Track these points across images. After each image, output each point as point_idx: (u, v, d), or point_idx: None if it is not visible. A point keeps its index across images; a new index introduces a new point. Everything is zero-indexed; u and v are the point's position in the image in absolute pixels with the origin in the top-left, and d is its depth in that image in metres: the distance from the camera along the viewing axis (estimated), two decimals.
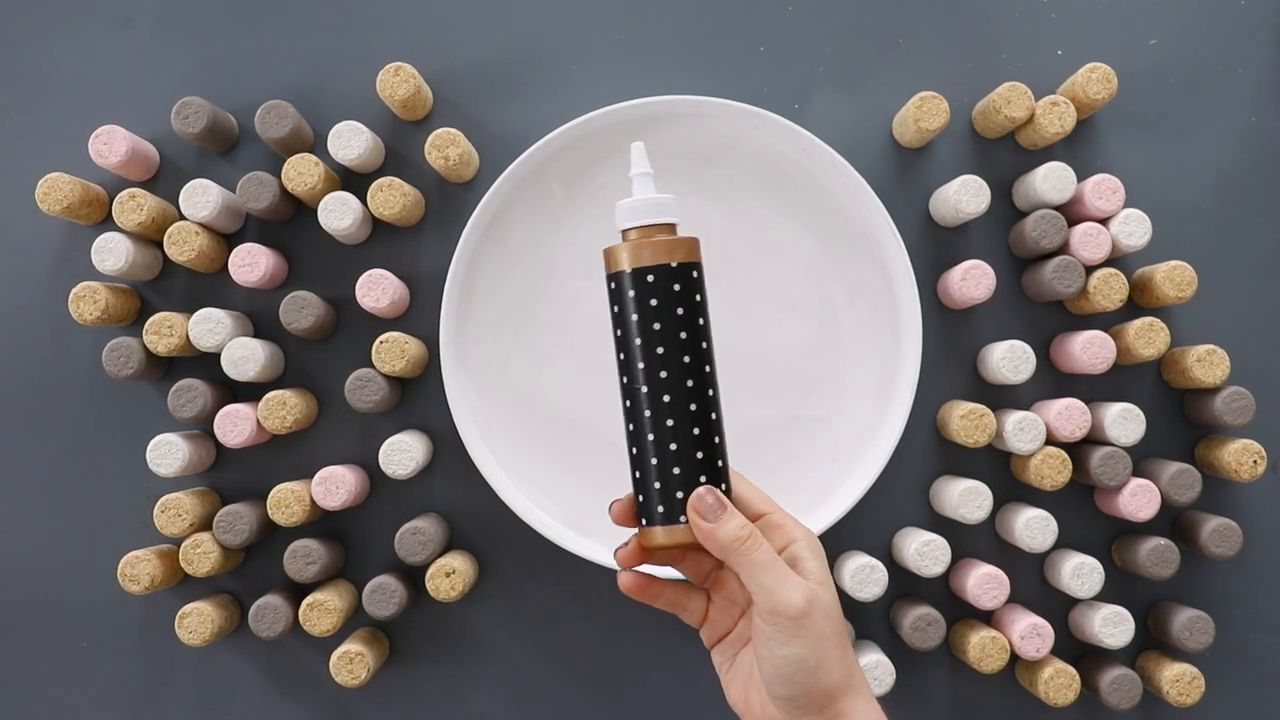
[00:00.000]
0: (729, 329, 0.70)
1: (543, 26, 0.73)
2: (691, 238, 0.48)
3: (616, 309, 0.48)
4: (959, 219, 0.69)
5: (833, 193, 0.69)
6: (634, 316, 0.47)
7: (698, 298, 0.48)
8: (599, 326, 0.70)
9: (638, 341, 0.47)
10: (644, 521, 0.48)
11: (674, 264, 0.47)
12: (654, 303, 0.47)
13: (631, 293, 0.47)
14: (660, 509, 0.47)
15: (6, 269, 0.72)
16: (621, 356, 0.48)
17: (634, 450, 0.48)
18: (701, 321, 0.48)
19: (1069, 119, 0.68)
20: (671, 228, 0.48)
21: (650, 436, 0.47)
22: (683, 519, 0.47)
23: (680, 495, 0.47)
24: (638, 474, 0.48)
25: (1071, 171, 0.68)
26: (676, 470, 0.47)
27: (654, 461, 0.47)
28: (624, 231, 0.49)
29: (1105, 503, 0.70)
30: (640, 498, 0.48)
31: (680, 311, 0.47)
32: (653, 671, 0.72)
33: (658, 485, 0.47)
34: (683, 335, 0.47)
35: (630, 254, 0.47)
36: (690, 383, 0.47)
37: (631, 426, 0.48)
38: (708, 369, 0.48)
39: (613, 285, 0.48)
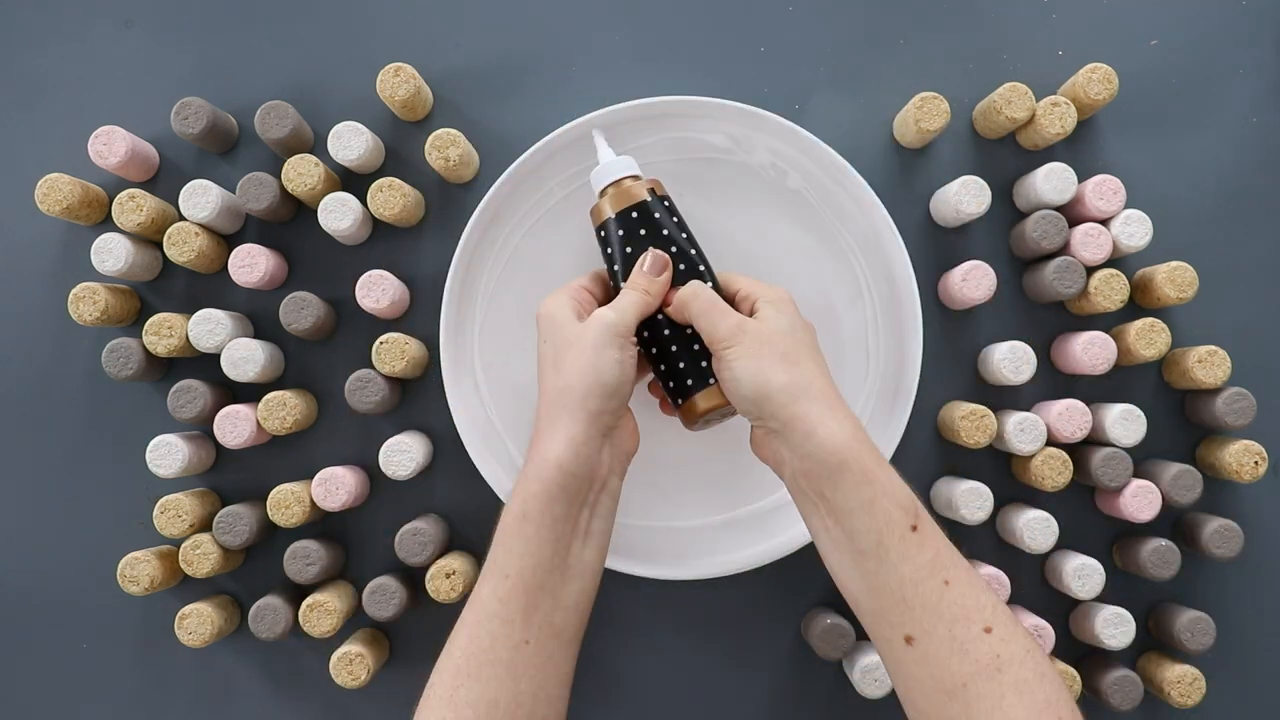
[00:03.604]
0: None
1: (543, 27, 0.73)
2: (654, 178, 0.62)
3: (609, 250, 0.60)
4: (960, 220, 0.69)
5: (833, 193, 0.69)
6: (626, 249, 0.59)
7: (675, 219, 0.61)
8: None
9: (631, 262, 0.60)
10: (679, 401, 0.59)
11: (648, 198, 0.60)
12: (642, 231, 0.59)
13: (621, 231, 0.59)
14: (690, 382, 0.58)
15: (6, 269, 0.72)
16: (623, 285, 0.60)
17: (654, 350, 0.59)
18: (685, 235, 0.60)
19: (1070, 120, 0.68)
20: (637, 177, 0.61)
21: (666, 332, 0.59)
22: (711, 380, 0.58)
23: (704, 364, 0.58)
24: (662, 366, 0.59)
25: (1072, 172, 0.68)
26: (696, 346, 0.58)
27: (674, 349, 0.59)
28: (601, 191, 0.61)
29: (1106, 504, 0.70)
30: (671, 383, 0.59)
31: (665, 233, 0.60)
32: (652, 671, 0.72)
33: (681, 365, 0.59)
34: (672, 250, 0.59)
35: (609, 204, 0.60)
36: (683, 267, 0.59)
37: (647, 334, 0.59)
38: (701, 267, 0.60)
39: (602, 234, 0.60)
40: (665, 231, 0.59)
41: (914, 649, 0.50)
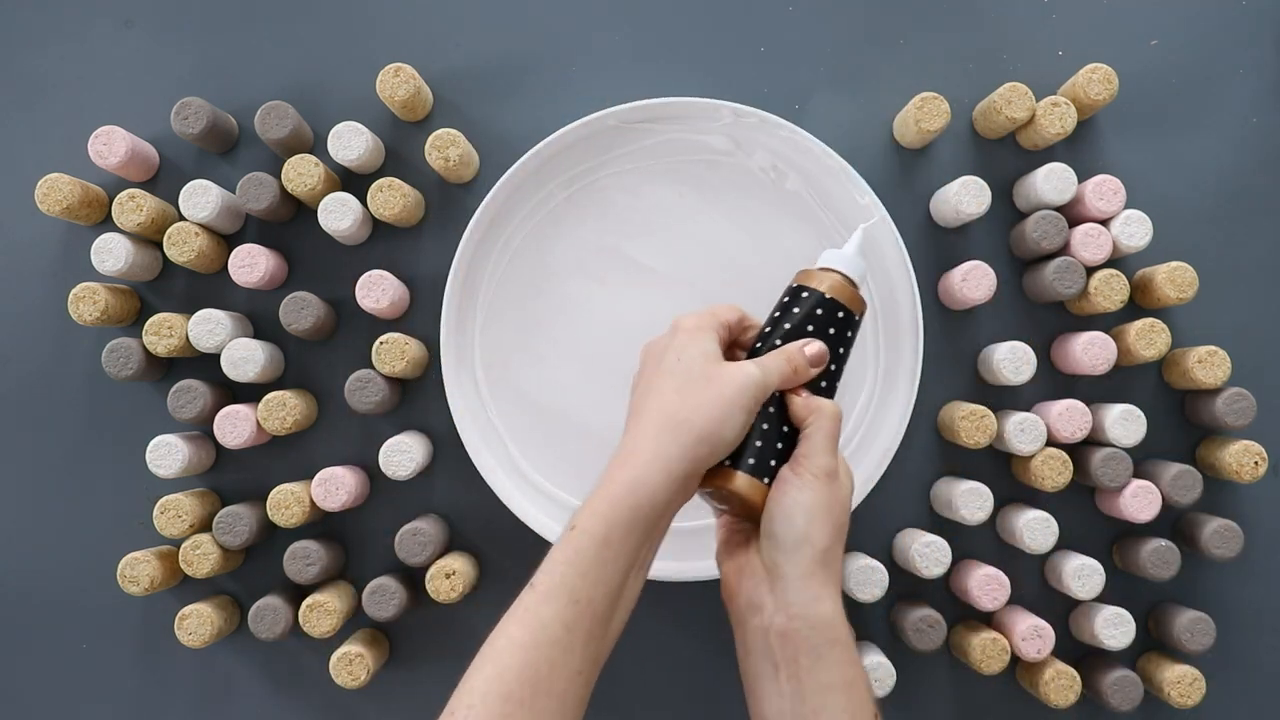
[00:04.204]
0: None
1: (543, 27, 0.73)
2: (865, 300, 0.58)
3: (794, 310, 0.56)
4: (960, 220, 0.69)
5: (833, 194, 0.69)
6: (807, 326, 0.56)
7: (851, 346, 0.57)
8: (599, 327, 0.70)
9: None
10: (725, 463, 0.53)
11: (856, 315, 0.57)
12: (831, 330, 0.56)
13: (819, 311, 0.56)
14: (751, 461, 0.53)
15: (6, 269, 0.72)
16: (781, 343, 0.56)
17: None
18: (845, 364, 0.57)
19: (1070, 120, 0.68)
20: (857, 285, 0.58)
21: (770, 409, 0.54)
22: (765, 480, 0.53)
23: (774, 463, 0.53)
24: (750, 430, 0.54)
25: (1072, 172, 0.68)
26: (779, 445, 0.54)
27: (763, 426, 0.54)
28: (831, 269, 0.57)
29: (1106, 504, 0.70)
30: (741, 448, 0.54)
31: (841, 350, 0.56)
32: (652, 671, 0.72)
33: (759, 444, 0.54)
34: (831, 367, 0.56)
35: (828, 284, 0.56)
36: (823, 384, 0.56)
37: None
38: (838, 386, 0.57)
39: (803, 294, 0.57)
40: (841, 349, 0.56)
41: None
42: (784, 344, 0.55)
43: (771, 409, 0.54)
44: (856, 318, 0.57)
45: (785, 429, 0.54)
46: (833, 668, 0.50)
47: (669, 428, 0.51)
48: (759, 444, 0.54)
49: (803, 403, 0.54)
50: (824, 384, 0.56)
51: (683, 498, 0.52)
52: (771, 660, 0.51)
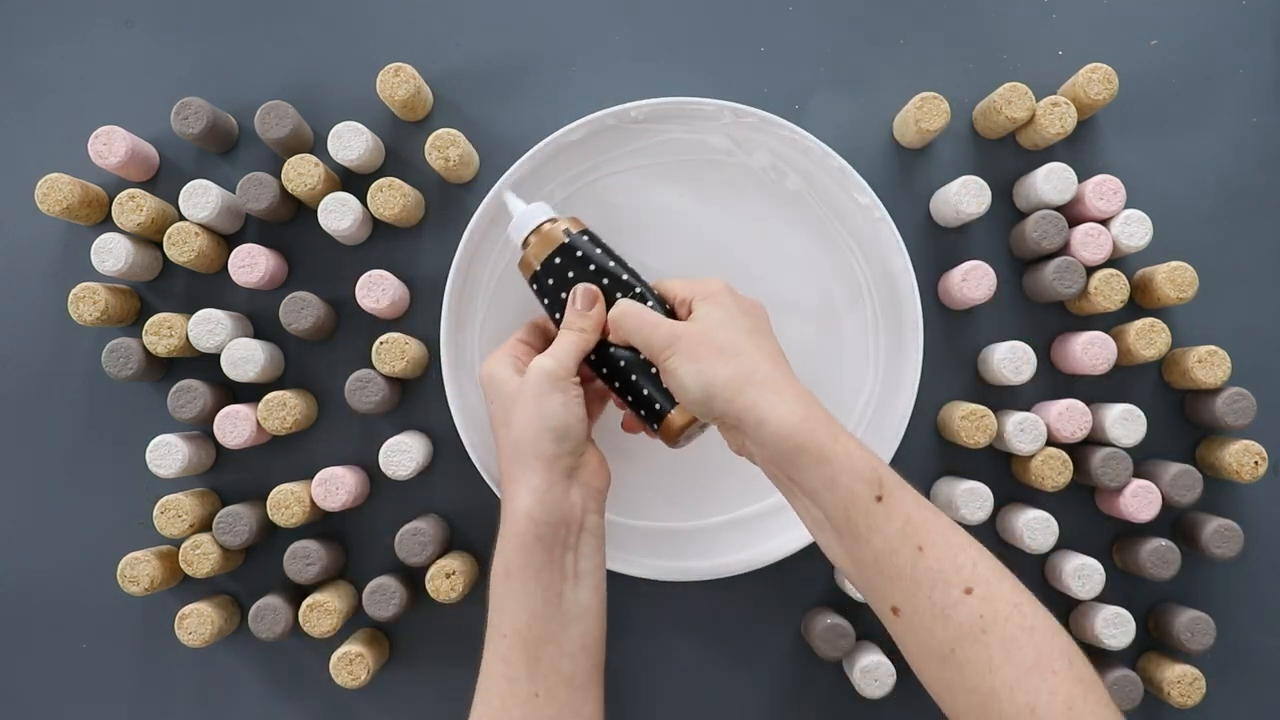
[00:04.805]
0: None
1: (543, 27, 0.73)
2: (570, 216, 0.61)
3: (545, 300, 0.60)
4: (960, 220, 0.69)
5: (833, 194, 0.69)
6: (560, 294, 0.59)
7: (599, 248, 0.60)
8: None
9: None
10: (655, 426, 0.59)
11: (566, 239, 0.60)
12: (570, 273, 0.59)
13: (550, 278, 0.59)
14: (658, 405, 0.58)
15: (6, 269, 0.72)
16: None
17: (617, 384, 0.59)
18: (614, 261, 0.60)
19: (1070, 120, 0.68)
20: (554, 220, 0.61)
21: (622, 363, 0.59)
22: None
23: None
24: (629, 397, 0.59)
25: (1072, 172, 0.68)
26: (653, 368, 0.58)
27: (634, 378, 0.58)
28: (524, 243, 0.61)
29: (1106, 504, 0.70)
30: (642, 411, 0.59)
31: (592, 267, 0.59)
32: (653, 671, 0.72)
33: (645, 391, 0.58)
34: (604, 281, 0.59)
35: (534, 254, 0.60)
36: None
37: (605, 369, 0.59)
38: (637, 288, 0.59)
39: (534, 286, 0.61)
40: (592, 266, 0.59)
41: (901, 619, 0.50)
42: (562, 319, 0.59)
43: (623, 362, 0.58)
44: (568, 241, 0.60)
45: (641, 355, 0.58)
46: (808, 472, 0.51)
47: (512, 455, 0.56)
48: (647, 389, 0.58)
49: (611, 334, 0.58)
50: (620, 294, 0.58)
51: (581, 497, 0.56)
52: (784, 485, 0.53)
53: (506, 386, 0.57)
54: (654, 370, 0.58)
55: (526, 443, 0.55)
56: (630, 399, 0.59)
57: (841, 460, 0.51)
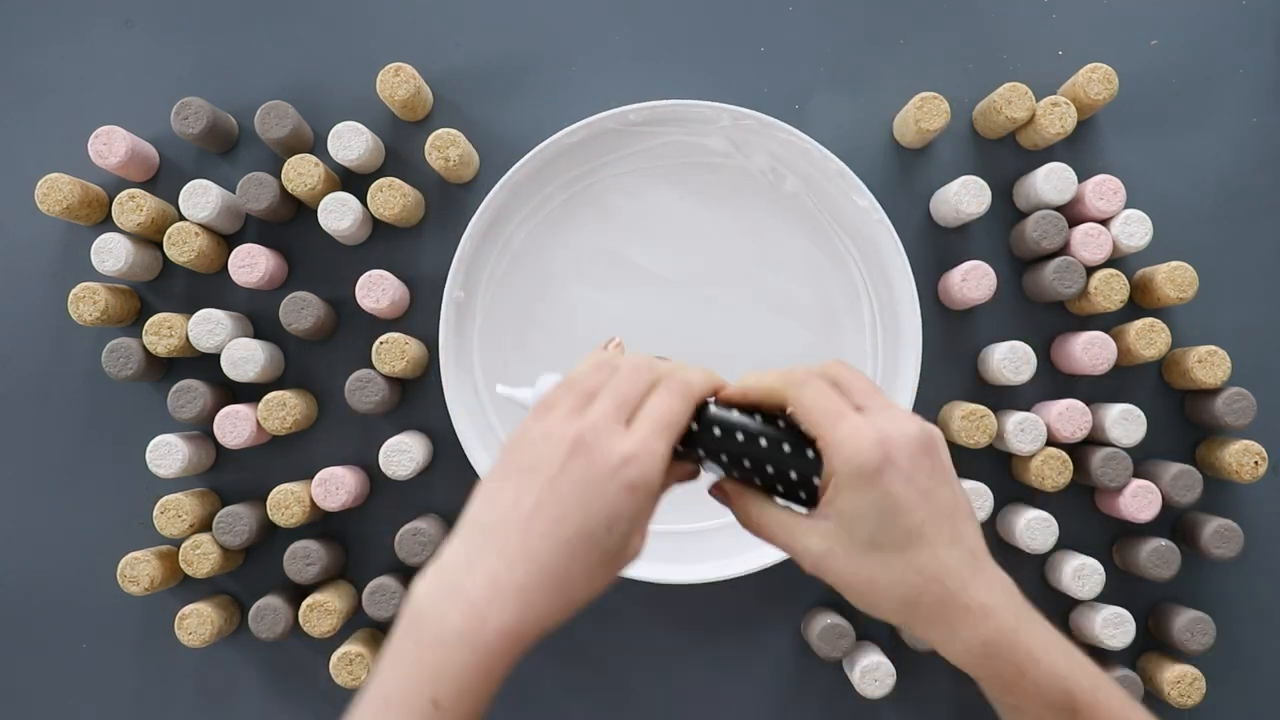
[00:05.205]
0: (729, 335, 0.70)
1: (543, 28, 0.73)
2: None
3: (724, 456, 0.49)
4: (959, 220, 0.69)
5: (831, 196, 0.69)
6: (724, 456, 0.48)
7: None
8: (597, 329, 0.70)
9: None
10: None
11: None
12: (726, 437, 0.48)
13: (718, 430, 0.48)
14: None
15: (6, 269, 0.72)
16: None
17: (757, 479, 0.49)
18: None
19: (1070, 120, 0.68)
20: None
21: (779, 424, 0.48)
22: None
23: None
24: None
25: (1072, 172, 0.68)
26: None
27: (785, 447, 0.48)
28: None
29: (1106, 504, 0.70)
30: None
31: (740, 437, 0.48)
32: (652, 672, 0.72)
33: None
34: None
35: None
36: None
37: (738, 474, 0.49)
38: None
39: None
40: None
41: None
42: (740, 478, 0.48)
43: (780, 423, 0.47)
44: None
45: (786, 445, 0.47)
46: (992, 696, 0.44)
47: (548, 533, 0.41)
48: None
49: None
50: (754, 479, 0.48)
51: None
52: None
53: (637, 538, 0.43)
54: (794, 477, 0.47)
55: (597, 535, 0.41)
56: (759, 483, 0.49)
57: (1028, 688, 0.42)
